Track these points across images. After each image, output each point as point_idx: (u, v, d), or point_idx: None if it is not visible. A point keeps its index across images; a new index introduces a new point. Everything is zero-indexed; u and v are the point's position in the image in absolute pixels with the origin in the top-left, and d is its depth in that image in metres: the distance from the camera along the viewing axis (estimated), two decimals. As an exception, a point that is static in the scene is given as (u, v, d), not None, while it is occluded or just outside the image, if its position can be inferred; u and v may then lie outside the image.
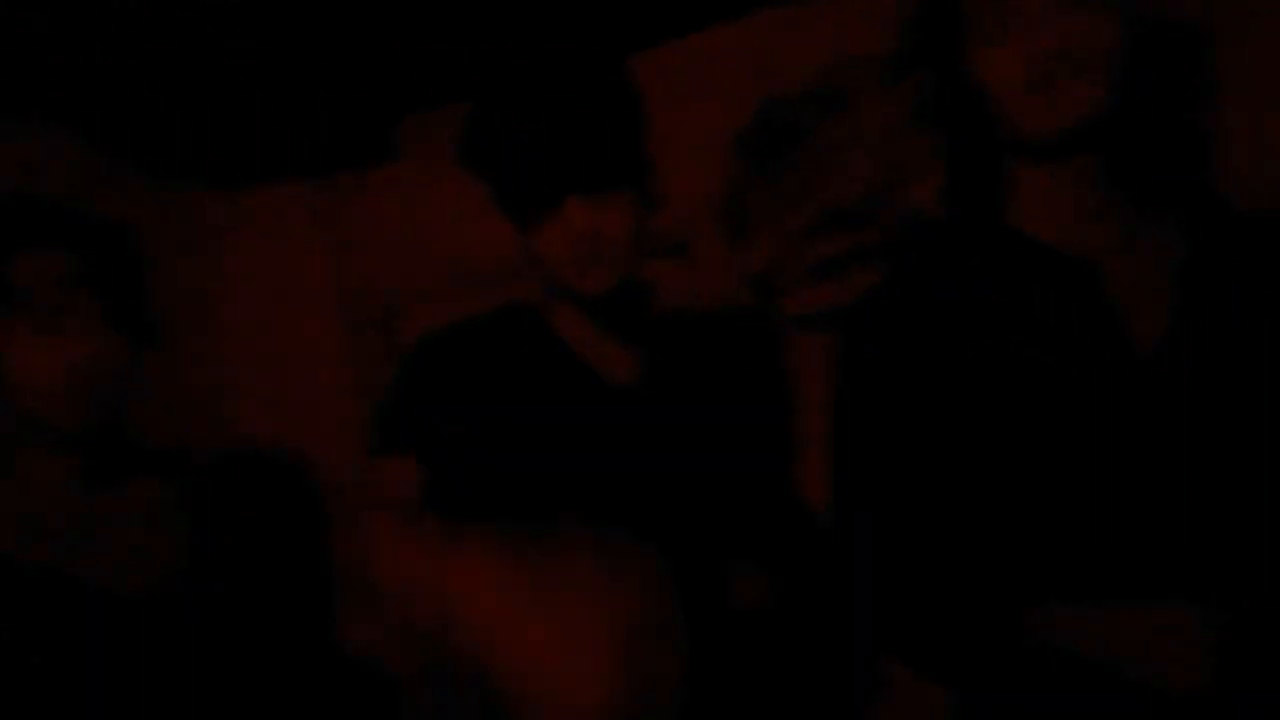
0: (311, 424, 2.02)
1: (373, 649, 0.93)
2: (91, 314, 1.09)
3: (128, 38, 1.63)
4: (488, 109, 1.15)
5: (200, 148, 1.97)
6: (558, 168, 1.09)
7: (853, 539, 1.02)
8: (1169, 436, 0.92)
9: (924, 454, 0.99)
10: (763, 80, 1.98)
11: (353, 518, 1.89)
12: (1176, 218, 0.99)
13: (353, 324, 2.04)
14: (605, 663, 0.87)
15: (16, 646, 0.98)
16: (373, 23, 1.78)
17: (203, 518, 1.19)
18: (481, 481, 1.14)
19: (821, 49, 1.94)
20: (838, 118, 1.95)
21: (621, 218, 1.15)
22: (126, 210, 1.76)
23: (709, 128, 2.01)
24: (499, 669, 0.87)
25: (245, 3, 1.64)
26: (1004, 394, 0.94)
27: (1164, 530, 0.91)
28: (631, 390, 1.21)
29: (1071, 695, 0.90)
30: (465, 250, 2.06)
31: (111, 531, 1.11)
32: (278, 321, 2.03)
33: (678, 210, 2.09)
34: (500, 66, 1.82)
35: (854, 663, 1.27)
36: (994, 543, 0.97)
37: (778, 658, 1.22)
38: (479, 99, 1.16)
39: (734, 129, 2.01)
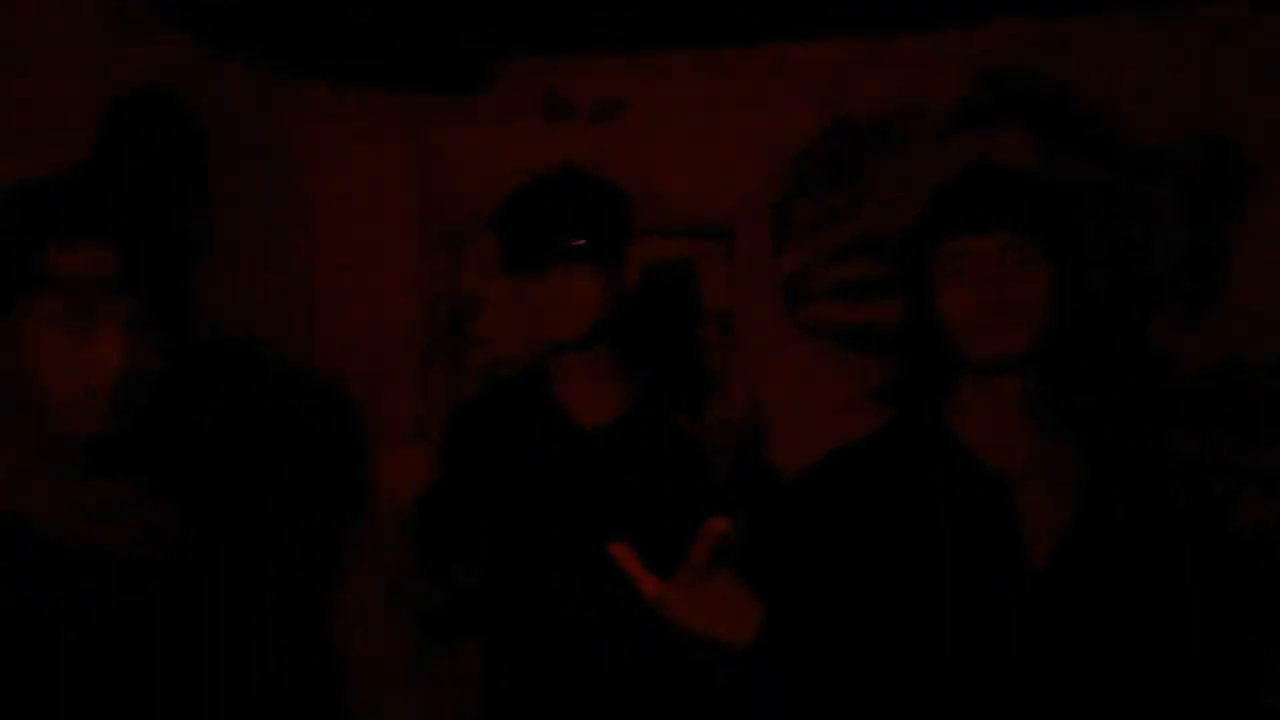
0: (376, 339, 2.22)
1: None
2: (125, 316, 0.98)
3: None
4: (511, 195, 1.46)
5: (305, 44, 2.08)
6: (548, 244, 1.37)
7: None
8: (1048, 645, 1.05)
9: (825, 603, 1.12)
10: (831, 105, 2.14)
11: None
12: (1081, 449, 1.16)
13: (423, 238, 2.22)
14: None
15: (29, 613, 0.96)
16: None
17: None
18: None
19: (890, 86, 2.10)
20: (896, 155, 2.11)
21: (591, 284, 1.39)
22: (225, 101, 1.92)
23: (773, 135, 2.18)
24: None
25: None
26: (903, 580, 1.11)
27: None
28: (597, 432, 1.44)
29: None
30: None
31: (112, 509, 1.04)
32: (355, 220, 2.21)
33: (728, 202, 2.27)
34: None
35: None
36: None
37: None
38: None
39: (796, 143, 2.17)
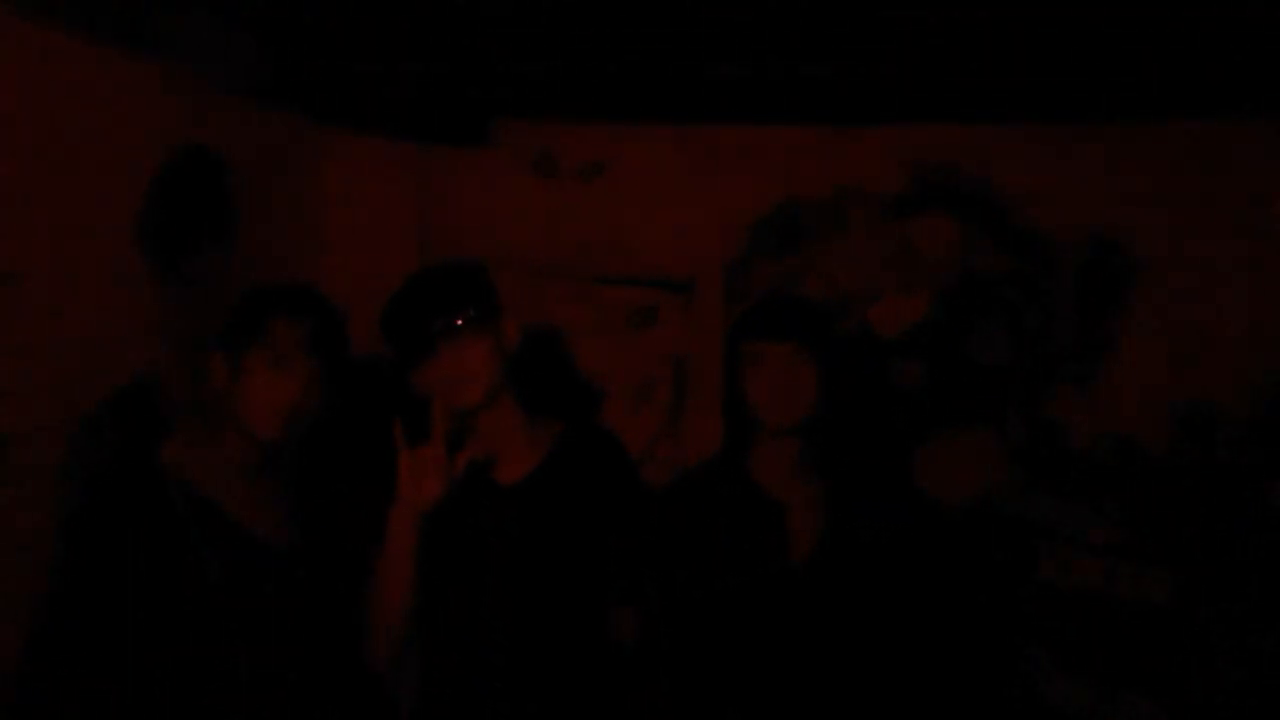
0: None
1: None
2: (309, 365, 1.45)
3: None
4: (389, 301, 1.58)
5: (322, 90, 2.29)
6: (426, 329, 1.53)
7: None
8: (813, 618, 1.55)
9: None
10: (785, 184, 2.45)
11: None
12: (831, 489, 1.64)
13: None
14: None
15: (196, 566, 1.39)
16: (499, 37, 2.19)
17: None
18: None
19: (836, 171, 2.42)
20: (837, 233, 2.42)
21: (477, 351, 1.54)
22: (262, 147, 2.16)
23: (733, 205, 2.49)
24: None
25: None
26: (712, 572, 1.60)
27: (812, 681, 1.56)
28: (513, 489, 1.62)
29: None
30: (513, 236, 2.53)
31: (269, 502, 1.49)
32: (361, 253, 2.46)
33: (689, 260, 2.56)
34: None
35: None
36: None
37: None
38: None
39: (753, 213, 2.48)
